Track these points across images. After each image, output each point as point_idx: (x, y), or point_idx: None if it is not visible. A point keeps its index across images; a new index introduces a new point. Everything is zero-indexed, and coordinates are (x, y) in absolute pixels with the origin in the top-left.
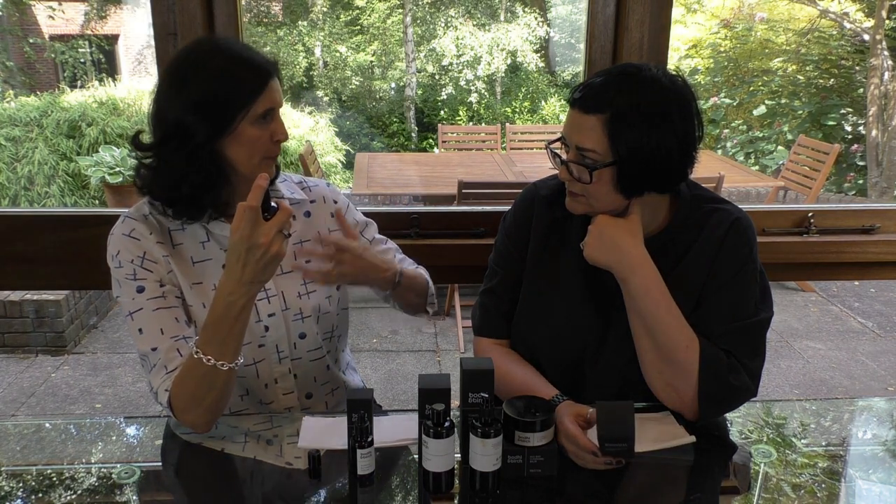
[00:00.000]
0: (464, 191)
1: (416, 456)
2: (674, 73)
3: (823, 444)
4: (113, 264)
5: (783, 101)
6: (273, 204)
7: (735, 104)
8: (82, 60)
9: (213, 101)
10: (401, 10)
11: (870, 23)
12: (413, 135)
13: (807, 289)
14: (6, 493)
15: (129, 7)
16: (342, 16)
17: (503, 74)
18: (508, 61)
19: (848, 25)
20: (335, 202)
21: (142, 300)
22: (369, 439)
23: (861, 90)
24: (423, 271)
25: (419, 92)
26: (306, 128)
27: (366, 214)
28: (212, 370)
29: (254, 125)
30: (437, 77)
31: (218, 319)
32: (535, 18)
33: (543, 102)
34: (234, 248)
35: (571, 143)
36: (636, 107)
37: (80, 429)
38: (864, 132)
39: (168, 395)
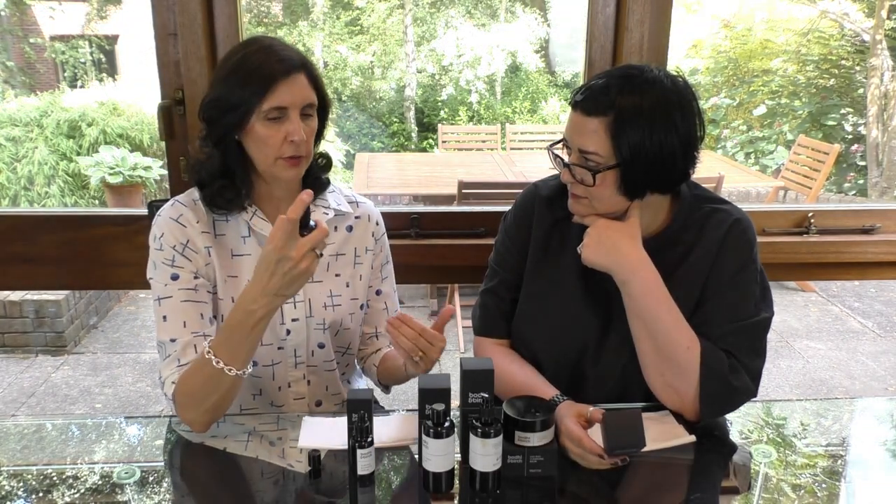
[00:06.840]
0: (464, 191)
1: (416, 456)
2: (675, 73)
3: (823, 444)
4: (154, 245)
5: (783, 101)
6: (312, 222)
7: (735, 104)
8: (82, 60)
9: (228, 97)
10: (401, 11)
11: (870, 23)
12: (413, 135)
13: (807, 289)
14: (6, 493)
15: (129, 7)
16: (342, 16)
17: (503, 74)
18: (508, 61)
19: (848, 25)
20: (377, 224)
21: (173, 288)
22: (369, 439)
23: (861, 90)
24: None
25: (419, 92)
26: None
27: None
28: (219, 373)
29: (264, 123)
30: (437, 77)
31: (235, 325)
32: (535, 18)
33: (543, 103)
34: (265, 257)
35: (574, 146)
36: (639, 109)
37: (80, 429)
38: (864, 132)
39: (173, 388)
